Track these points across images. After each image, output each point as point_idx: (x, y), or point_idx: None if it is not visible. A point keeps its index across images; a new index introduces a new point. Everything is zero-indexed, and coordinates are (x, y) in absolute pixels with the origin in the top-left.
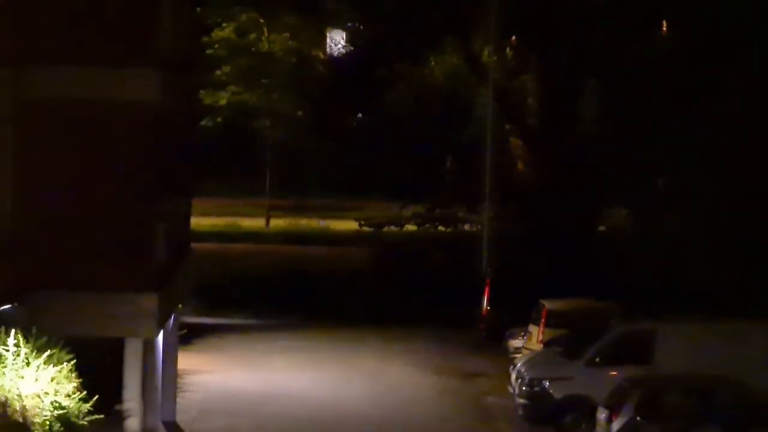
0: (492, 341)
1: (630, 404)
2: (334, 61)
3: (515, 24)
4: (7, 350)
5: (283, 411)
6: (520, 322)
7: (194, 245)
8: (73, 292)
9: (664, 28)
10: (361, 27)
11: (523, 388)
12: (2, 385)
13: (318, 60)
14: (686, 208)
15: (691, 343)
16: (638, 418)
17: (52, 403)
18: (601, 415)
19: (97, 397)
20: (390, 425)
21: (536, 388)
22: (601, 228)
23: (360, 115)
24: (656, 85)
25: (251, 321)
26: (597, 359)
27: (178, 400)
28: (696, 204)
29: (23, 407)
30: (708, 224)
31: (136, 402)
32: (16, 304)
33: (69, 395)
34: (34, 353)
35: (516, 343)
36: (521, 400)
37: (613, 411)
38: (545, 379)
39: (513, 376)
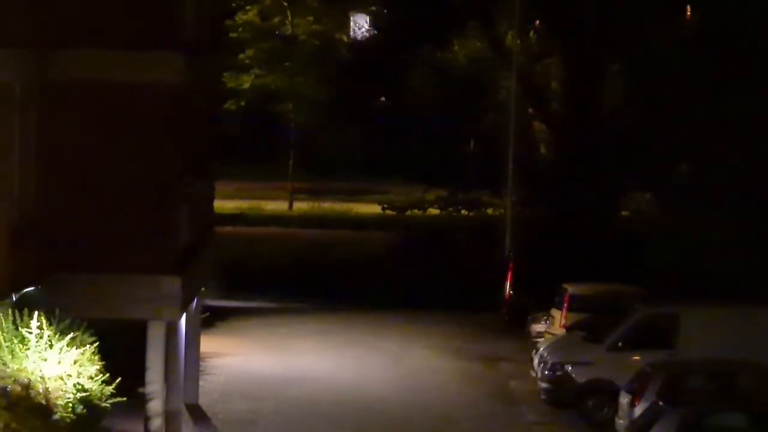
0: (514, 325)
1: (652, 389)
2: (357, 44)
3: (539, 8)
4: (30, 332)
5: (305, 394)
6: (543, 306)
7: (217, 228)
8: (96, 275)
9: (689, 13)
10: (385, 11)
11: (546, 372)
12: (25, 367)
13: (341, 43)
14: (710, 193)
15: (713, 328)
16: (660, 403)
17: (74, 385)
18: (624, 399)
19: (119, 379)
20: (412, 409)
21: (559, 373)
22: (624, 213)
23: (383, 98)
24: (680, 69)
25: (274, 304)
26: (619, 344)
27: (200, 382)
28: (719, 189)
29: (46, 389)
30: (731, 210)
31: (158, 384)
32: (39, 286)
33: (92, 377)
34: (57, 335)
35: (538, 327)
36: (544, 385)
37: (636, 395)
38: (568, 363)
39: (535, 361)
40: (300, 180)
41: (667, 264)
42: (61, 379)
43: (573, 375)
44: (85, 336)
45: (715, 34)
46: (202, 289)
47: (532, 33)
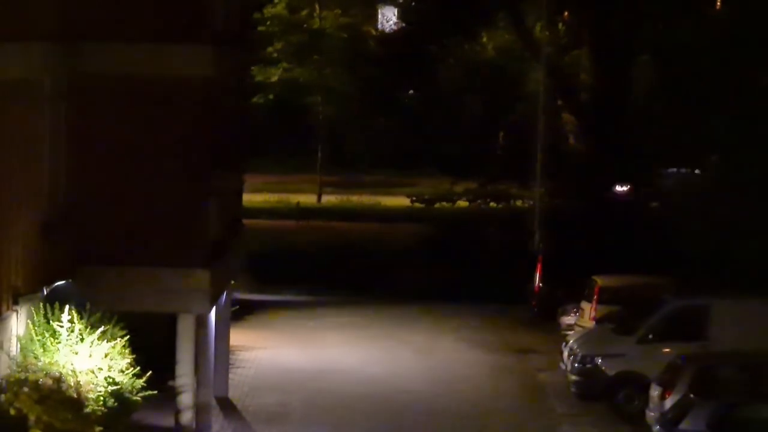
0: (544, 318)
1: (683, 381)
2: (385, 37)
3: None
4: (62, 326)
5: (335, 387)
6: (573, 298)
7: (246, 221)
8: (127, 268)
9: (718, 3)
10: (413, 3)
11: (576, 364)
12: (57, 360)
13: (369, 36)
14: (739, 184)
15: (745, 319)
16: (692, 395)
17: (105, 378)
18: (654, 392)
19: (150, 372)
20: (441, 401)
21: (588, 365)
22: (654, 204)
23: (411, 91)
24: (710, 59)
25: (303, 297)
26: (650, 336)
27: (230, 375)
28: (749, 181)
29: (77, 383)
30: (761, 201)
31: (188, 378)
32: (70, 280)
33: (122, 371)
34: (88, 329)
35: (568, 319)
36: (573, 377)
37: (667, 388)
38: (598, 355)
39: (565, 353)
40: (328, 173)
41: (697, 255)
42: (92, 372)
43: (603, 367)
44: (116, 329)
45: (744, 25)
46: (232, 282)
47: (560, 24)
